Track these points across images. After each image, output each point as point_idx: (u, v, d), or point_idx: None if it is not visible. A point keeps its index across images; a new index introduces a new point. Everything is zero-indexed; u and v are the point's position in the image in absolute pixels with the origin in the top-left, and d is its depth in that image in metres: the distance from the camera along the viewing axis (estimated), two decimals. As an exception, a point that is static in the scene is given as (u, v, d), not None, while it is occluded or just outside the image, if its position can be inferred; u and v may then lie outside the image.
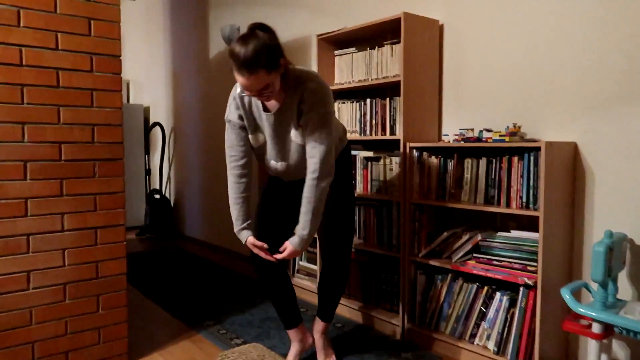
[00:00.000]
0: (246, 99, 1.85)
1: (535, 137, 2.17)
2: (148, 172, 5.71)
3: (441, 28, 2.53)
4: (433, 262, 2.28)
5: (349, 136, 2.70)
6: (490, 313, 2.10)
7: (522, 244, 2.02)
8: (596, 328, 1.65)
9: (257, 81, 1.59)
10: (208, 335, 2.52)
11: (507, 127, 2.13)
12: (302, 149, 1.84)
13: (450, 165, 2.26)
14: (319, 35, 2.85)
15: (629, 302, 1.74)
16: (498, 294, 2.08)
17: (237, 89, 1.86)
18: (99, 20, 2.01)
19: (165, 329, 2.62)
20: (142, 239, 5.22)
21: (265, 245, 1.88)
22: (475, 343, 2.16)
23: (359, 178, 2.72)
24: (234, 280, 3.56)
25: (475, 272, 2.10)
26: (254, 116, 1.87)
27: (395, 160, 2.52)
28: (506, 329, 2.04)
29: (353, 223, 2.13)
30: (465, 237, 2.21)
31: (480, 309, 2.14)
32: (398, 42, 2.49)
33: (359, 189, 2.72)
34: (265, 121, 1.83)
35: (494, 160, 2.11)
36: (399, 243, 2.47)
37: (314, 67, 3.34)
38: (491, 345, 2.09)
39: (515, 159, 2.02)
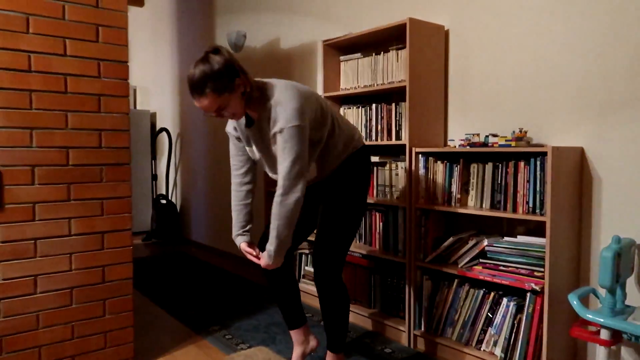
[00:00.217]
0: None
1: (542, 142, 2.16)
2: (154, 177, 5.73)
3: (447, 33, 2.53)
4: (439, 268, 2.27)
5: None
6: (497, 319, 2.09)
7: (529, 250, 2.01)
8: (604, 334, 1.64)
9: (208, 103, 1.62)
10: (214, 340, 2.52)
11: (513, 132, 2.13)
12: None
13: (456, 170, 2.25)
14: (324, 41, 2.86)
15: (638, 308, 1.72)
16: (505, 300, 2.07)
17: None
18: (107, 27, 2.03)
19: (171, 334, 2.62)
20: (148, 244, 5.24)
21: (255, 252, 1.88)
22: (482, 349, 2.15)
23: (364, 183, 2.72)
24: (239, 285, 3.56)
25: (481, 277, 2.08)
26: (243, 130, 1.89)
27: (401, 165, 2.52)
28: (513, 335, 2.02)
29: (347, 232, 1.91)
30: (471, 243, 2.20)
31: (487, 314, 2.13)
32: (403, 48, 2.49)
33: (365, 194, 2.71)
34: (250, 136, 1.86)
35: (500, 165, 2.10)
36: (404, 248, 2.46)
37: (319, 73, 3.35)
38: (498, 351, 2.07)
39: (522, 164, 2.01)
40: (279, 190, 1.70)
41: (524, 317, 1.96)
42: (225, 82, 1.62)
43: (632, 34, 1.87)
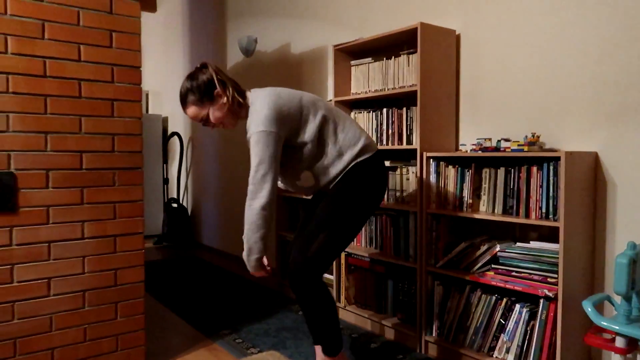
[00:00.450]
0: None
1: (555, 147, 2.14)
2: (166, 181, 5.78)
3: (458, 38, 2.52)
4: (451, 273, 2.25)
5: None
6: (510, 325, 2.06)
7: (542, 255, 1.99)
8: (620, 342, 1.61)
9: (193, 113, 1.87)
10: (224, 344, 2.52)
11: (526, 136, 2.11)
12: (286, 165, 1.91)
13: (468, 175, 2.24)
14: (335, 46, 2.87)
15: (654, 315, 1.70)
16: (517, 306, 2.05)
17: None
18: (120, 32, 2.05)
19: (181, 337, 2.63)
20: (160, 247, 5.27)
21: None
22: (494, 356, 2.12)
23: (375, 188, 2.71)
24: (250, 289, 3.56)
25: (494, 283, 2.06)
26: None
27: (412, 170, 2.51)
28: (526, 342, 2.00)
29: (333, 237, 1.83)
30: (483, 248, 2.18)
31: (500, 321, 2.11)
32: (414, 52, 2.49)
33: (376, 198, 2.71)
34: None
35: (512, 170, 2.08)
36: (415, 253, 2.45)
37: (330, 78, 3.35)
38: (511, 358, 2.05)
39: (534, 168, 1.99)
40: (247, 194, 1.79)
41: (537, 324, 1.94)
42: (204, 93, 1.84)
43: (647, 38, 1.85)
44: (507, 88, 2.32)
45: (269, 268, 1.88)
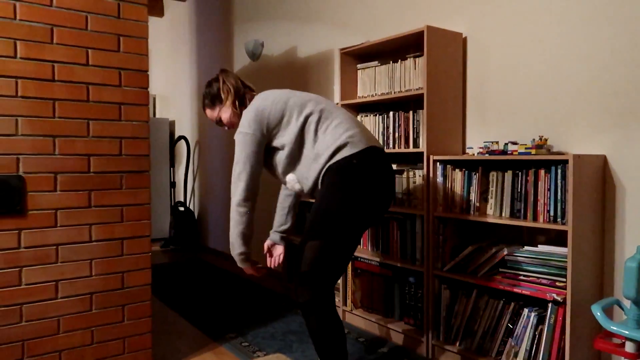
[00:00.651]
0: None
1: (563, 150, 2.13)
2: (173, 184, 5.80)
3: (464, 41, 2.52)
4: (458, 277, 2.24)
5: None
6: (518, 330, 2.05)
7: (550, 259, 1.97)
8: (630, 347, 1.59)
9: (209, 115, 2.10)
10: (230, 347, 2.52)
11: (533, 139, 2.10)
12: (272, 167, 1.95)
13: (475, 178, 2.23)
14: (341, 49, 2.87)
15: (664, 320, 1.68)
16: (525, 310, 2.03)
17: None
18: (128, 37, 2.07)
19: (188, 340, 2.63)
20: (166, 250, 5.28)
21: (271, 253, 2.24)
22: (501, 360, 2.11)
23: (381, 191, 2.70)
24: (256, 292, 3.56)
25: (501, 287, 2.05)
26: None
27: (419, 173, 2.50)
28: (534, 346, 1.98)
29: (325, 246, 1.72)
30: (490, 252, 2.17)
31: (507, 325, 2.09)
32: (421, 56, 2.48)
33: (382, 202, 2.70)
34: None
35: (519, 173, 2.07)
36: (422, 257, 2.44)
37: (336, 81, 3.35)
38: (518, 363, 2.03)
39: (542, 172, 1.98)
40: None
41: (546, 328, 1.92)
42: (215, 97, 2.06)
43: (656, 40, 1.83)
44: (514, 91, 2.31)
45: (260, 266, 1.99)
